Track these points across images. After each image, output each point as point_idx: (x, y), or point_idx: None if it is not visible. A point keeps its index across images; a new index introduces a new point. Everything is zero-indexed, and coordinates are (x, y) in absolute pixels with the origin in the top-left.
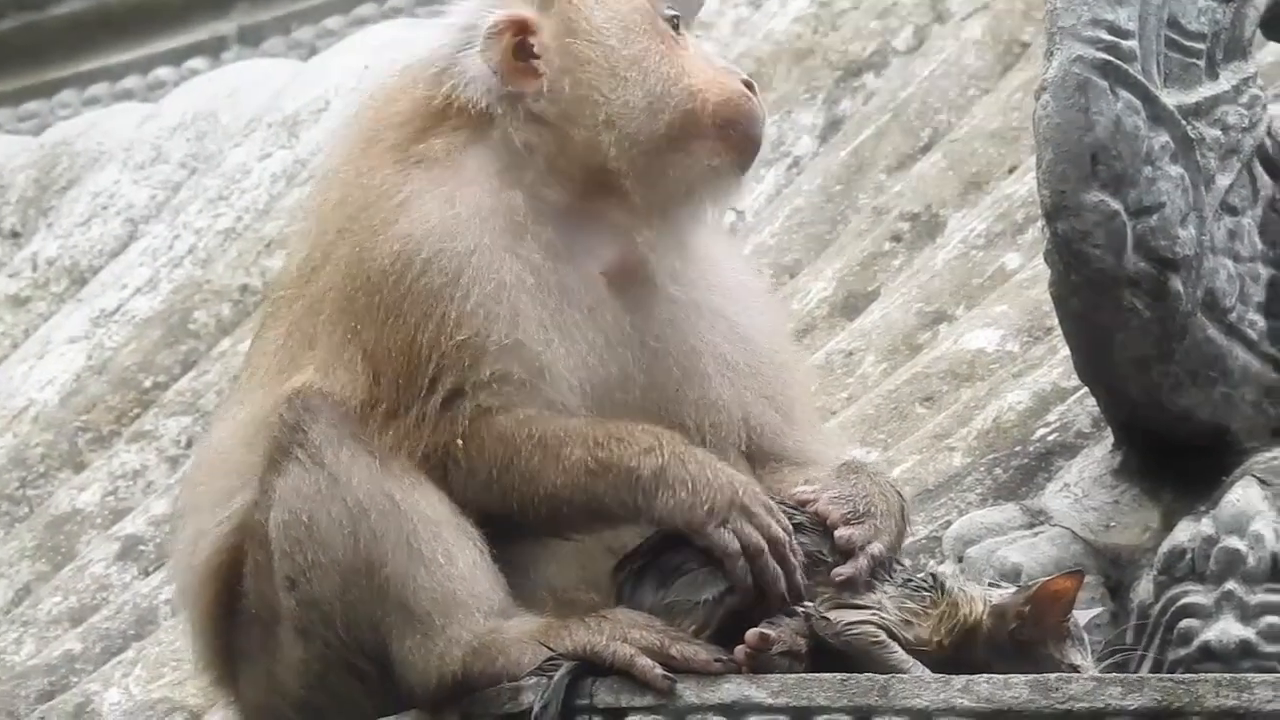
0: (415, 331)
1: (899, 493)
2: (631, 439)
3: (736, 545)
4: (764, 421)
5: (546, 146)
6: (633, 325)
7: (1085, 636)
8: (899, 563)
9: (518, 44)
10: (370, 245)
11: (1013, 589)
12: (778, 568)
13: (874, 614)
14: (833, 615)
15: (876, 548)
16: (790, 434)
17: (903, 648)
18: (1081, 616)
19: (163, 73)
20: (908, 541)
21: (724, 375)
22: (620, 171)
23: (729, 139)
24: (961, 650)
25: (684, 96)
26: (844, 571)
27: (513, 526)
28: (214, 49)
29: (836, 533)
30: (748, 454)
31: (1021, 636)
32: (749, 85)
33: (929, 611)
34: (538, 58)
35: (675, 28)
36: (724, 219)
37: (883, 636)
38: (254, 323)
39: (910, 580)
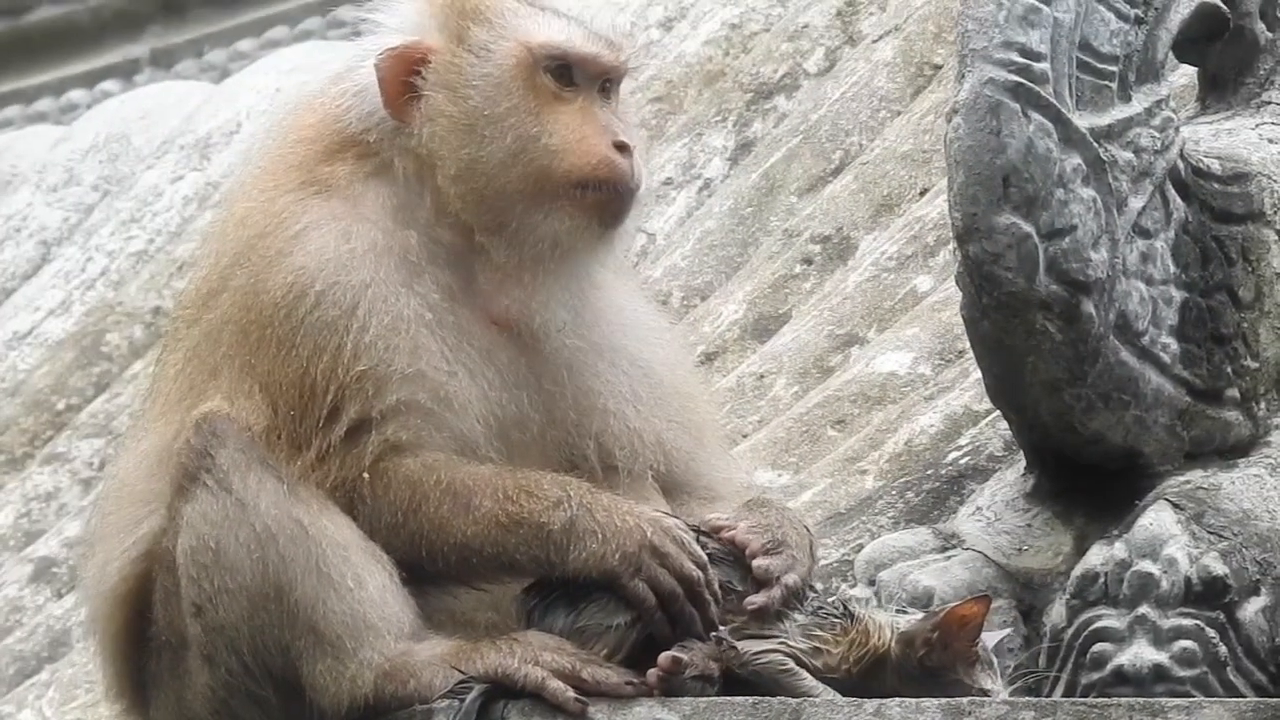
0: (308, 364)
1: (806, 526)
2: (540, 492)
3: (651, 598)
4: (675, 449)
5: (429, 184)
6: (528, 368)
7: (995, 660)
8: (812, 589)
9: (406, 77)
10: (264, 276)
11: (920, 615)
12: (692, 610)
13: (781, 643)
14: (740, 645)
15: (792, 578)
16: (700, 461)
17: (812, 675)
18: (991, 639)
19: (76, 95)
20: (820, 565)
21: (629, 408)
22: (474, 226)
23: (584, 199)
24: (871, 677)
25: (539, 155)
26: (757, 600)
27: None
28: (127, 71)
29: (755, 563)
30: (660, 484)
31: (930, 663)
32: (621, 146)
33: (838, 639)
34: (420, 96)
35: (564, 79)
36: (614, 262)
37: (790, 664)
38: (161, 342)
39: (820, 608)
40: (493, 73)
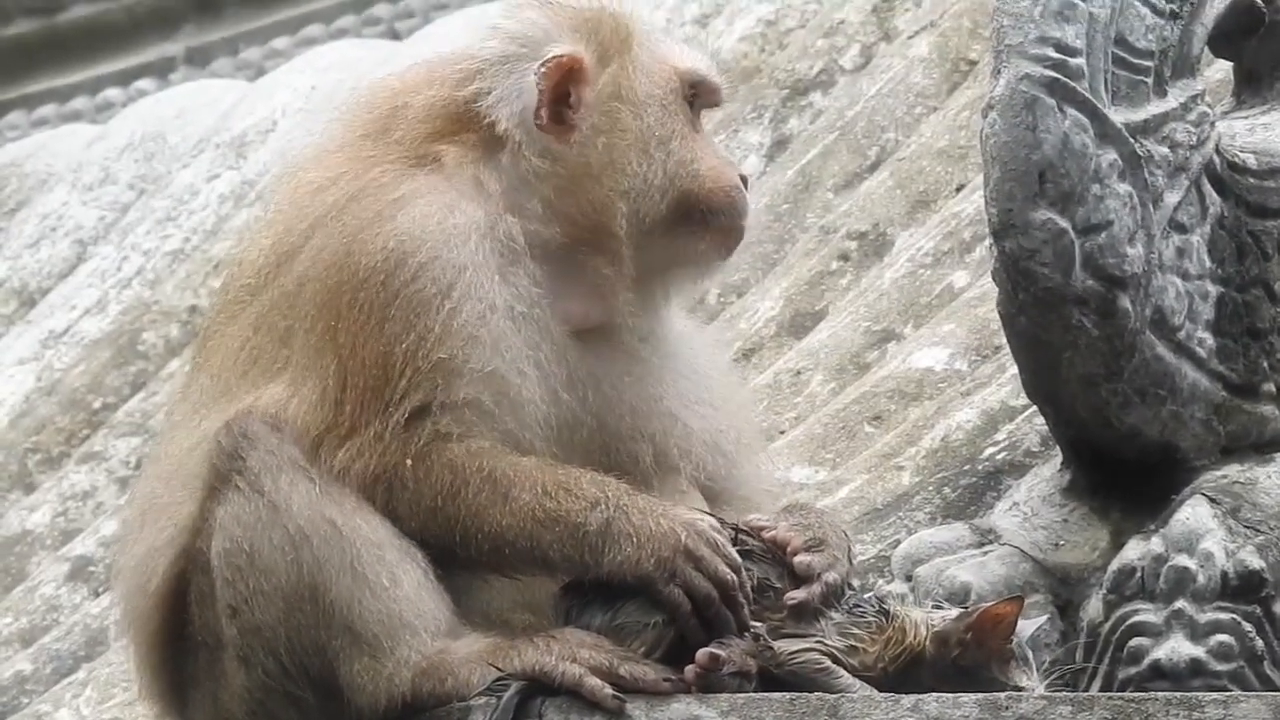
0: (395, 342)
1: (844, 530)
2: (579, 490)
3: (686, 603)
4: (726, 454)
5: (553, 184)
6: (589, 371)
7: (1030, 656)
8: (850, 586)
9: (564, 88)
10: (360, 238)
11: (955, 613)
12: (727, 613)
13: (818, 642)
14: (777, 645)
15: (832, 575)
16: (747, 469)
17: (848, 674)
18: (1026, 628)
19: (111, 94)
20: (856, 563)
21: (690, 411)
22: (623, 239)
23: (716, 226)
24: (906, 676)
25: (689, 179)
26: (797, 596)
27: (454, 557)
28: (162, 70)
29: (796, 559)
30: (707, 488)
31: (964, 661)
32: (743, 179)
33: (874, 638)
34: (575, 109)
35: (694, 110)
36: (695, 291)
37: (827, 663)
38: (207, 316)
39: (856, 606)
40: (659, 94)
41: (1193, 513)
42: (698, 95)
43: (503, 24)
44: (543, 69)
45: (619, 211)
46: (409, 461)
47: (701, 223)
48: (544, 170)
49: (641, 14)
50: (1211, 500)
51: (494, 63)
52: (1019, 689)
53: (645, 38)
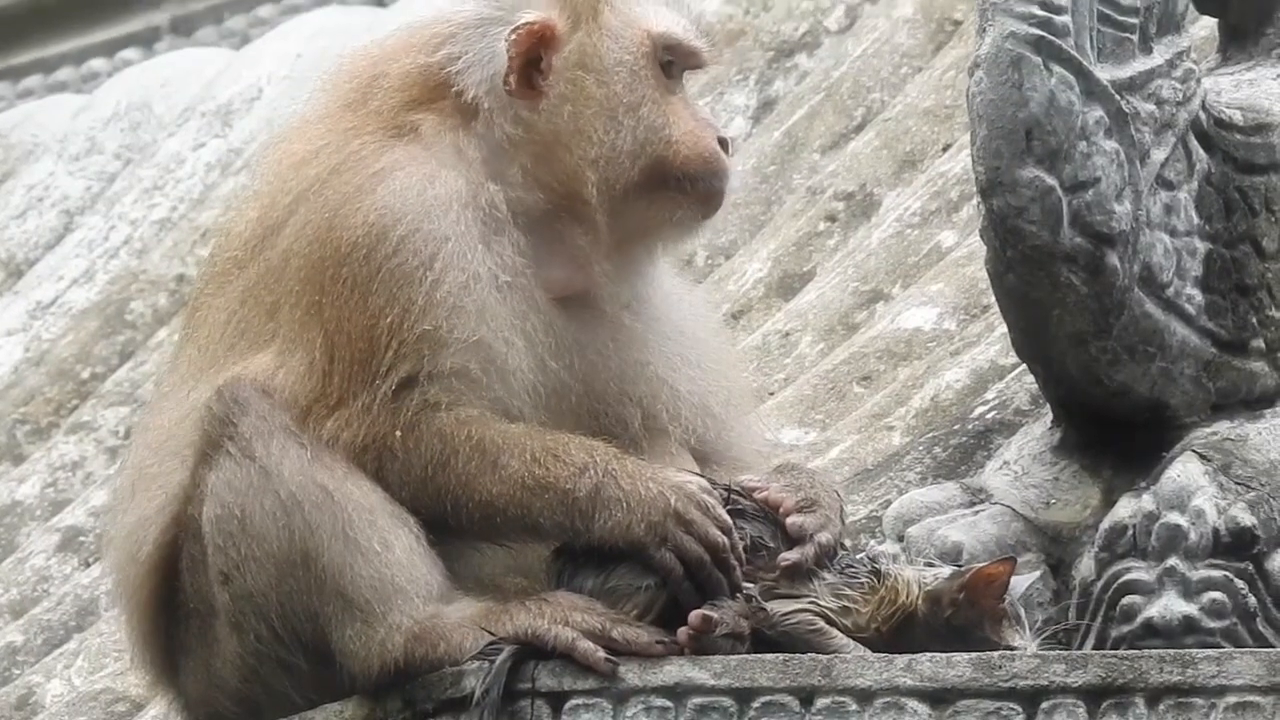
0: (379, 315)
1: (836, 490)
2: (568, 457)
3: (678, 568)
4: (715, 416)
5: (529, 151)
6: (575, 337)
7: (1023, 615)
8: (843, 546)
9: (534, 53)
10: (341, 212)
11: (948, 572)
12: (719, 575)
13: (811, 602)
14: (770, 606)
15: (825, 536)
16: (737, 430)
17: (842, 634)
18: (1020, 583)
19: (96, 64)
20: (848, 523)
21: (679, 374)
22: (596, 207)
23: (692, 192)
24: (900, 635)
25: (660, 144)
26: (790, 557)
27: (445, 525)
28: (147, 39)
29: (789, 520)
30: (698, 450)
31: (957, 621)
32: (723, 142)
33: (867, 598)
34: (546, 75)
35: (670, 74)
36: (680, 252)
37: (820, 624)
38: (194, 286)
39: (848, 567)
40: (628, 59)
41: (1184, 470)
42: (675, 58)
43: None
44: (512, 35)
45: (589, 180)
46: (398, 432)
47: (677, 188)
48: (518, 137)
49: None
50: (1202, 457)
51: (465, 28)
52: (1012, 648)
53: (620, 1)
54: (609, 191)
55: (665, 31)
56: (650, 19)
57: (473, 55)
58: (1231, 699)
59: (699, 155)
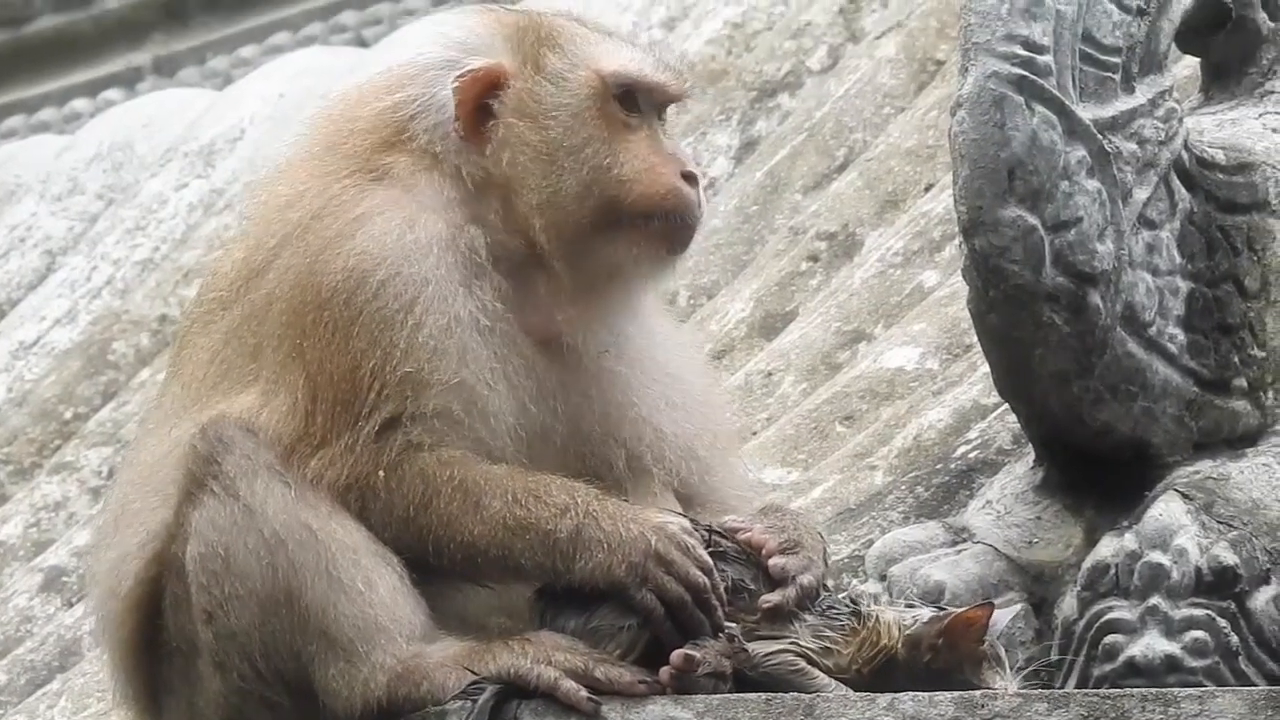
0: (361, 358)
1: (819, 532)
2: (549, 498)
3: (659, 608)
4: (700, 458)
5: (497, 194)
6: (558, 381)
7: (1004, 655)
8: (825, 588)
9: (483, 99)
10: (321, 258)
11: (927, 615)
12: (700, 615)
13: (792, 643)
14: (752, 647)
15: (807, 578)
16: (722, 473)
17: (823, 674)
18: (1001, 618)
19: (79, 104)
20: (831, 563)
21: (663, 416)
22: (549, 253)
23: (650, 229)
24: (881, 677)
25: (610, 185)
26: (772, 599)
27: (428, 565)
28: (129, 80)
29: (771, 561)
30: (681, 491)
31: (937, 665)
32: (689, 176)
33: (848, 639)
34: (495, 118)
35: (630, 106)
36: (659, 291)
37: (802, 664)
38: (180, 325)
39: (830, 608)
40: (570, 102)
41: (1166, 509)
42: (637, 95)
43: (444, 31)
44: (456, 81)
45: (535, 225)
46: (381, 472)
47: (633, 226)
48: (481, 180)
49: (589, 16)
50: (1185, 496)
51: (420, 72)
52: (993, 690)
53: (569, 43)
54: (560, 236)
55: (617, 70)
56: (601, 58)
57: (426, 100)
58: None
59: (653, 192)
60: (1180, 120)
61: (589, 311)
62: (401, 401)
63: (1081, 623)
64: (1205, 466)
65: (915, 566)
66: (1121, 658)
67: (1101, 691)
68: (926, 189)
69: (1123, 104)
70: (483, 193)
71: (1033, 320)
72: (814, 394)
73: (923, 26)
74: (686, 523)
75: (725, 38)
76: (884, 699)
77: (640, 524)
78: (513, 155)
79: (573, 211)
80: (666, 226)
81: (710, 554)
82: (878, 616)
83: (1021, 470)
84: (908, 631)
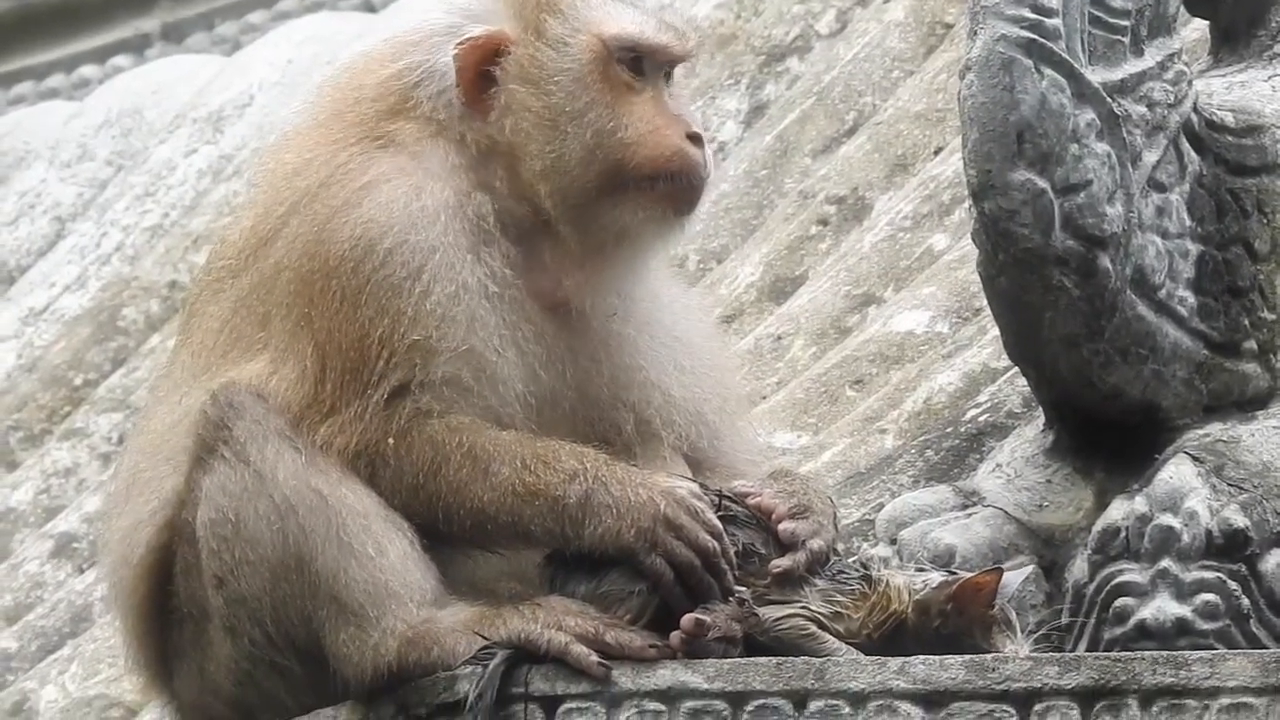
0: (369, 326)
1: (829, 496)
2: (558, 463)
3: (669, 573)
4: (709, 421)
5: (502, 161)
6: (567, 345)
7: (1014, 619)
8: (835, 552)
9: (484, 66)
10: (329, 226)
11: (936, 579)
12: (710, 580)
13: (802, 607)
14: (761, 612)
15: (817, 543)
16: (731, 437)
17: (834, 638)
18: (1013, 579)
19: (87, 71)
20: (841, 527)
21: (671, 379)
22: (556, 219)
23: (655, 191)
24: (891, 641)
25: (614, 148)
26: (782, 564)
27: (437, 532)
28: (138, 46)
29: (781, 526)
30: (691, 455)
31: (946, 630)
32: (695, 137)
33: (858, 604)
34: (497, 85)
35: (635, 69)
36: (669, 254)
37: (812, 629)
38: (189, 292)
39: (840, 572)
40: (571, 67)
41: (1176, 471)
42: (643, 55)
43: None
44: (456, 49)
45: (541, 192)
46: (390, 439)
47: (639, 188)
48: (485, 146)
49: None
50: (1195, 459)
51: (423, 39)
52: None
53: (570, 8)
54: (565, 201)
55: (619, 33)
56: (603, 22)
57: (428, 67)
58: (1225, 700)
59: (658, 154)
60: (1189, 83)
61: (596, 276)
62: (410, 369)
63: (1092, 586)
64: (1215, 429)
65: (925, 530)
66: (1132, 621)
67: (1112, 655)
68: (936, 152)
69: (1132, 67)
70: (488, 159)
71: (1042, 284)
72: (824, 358)
73: None
74: (696, 487)
75: (734, 1)
76: (895, 663)
77: (649, 489)
78: (515, 122)
79: (577, 176)
80: (672, 188)
81: (720, 518)
82: (888, 581)
83: (1031, 434)
84: (917, 596)
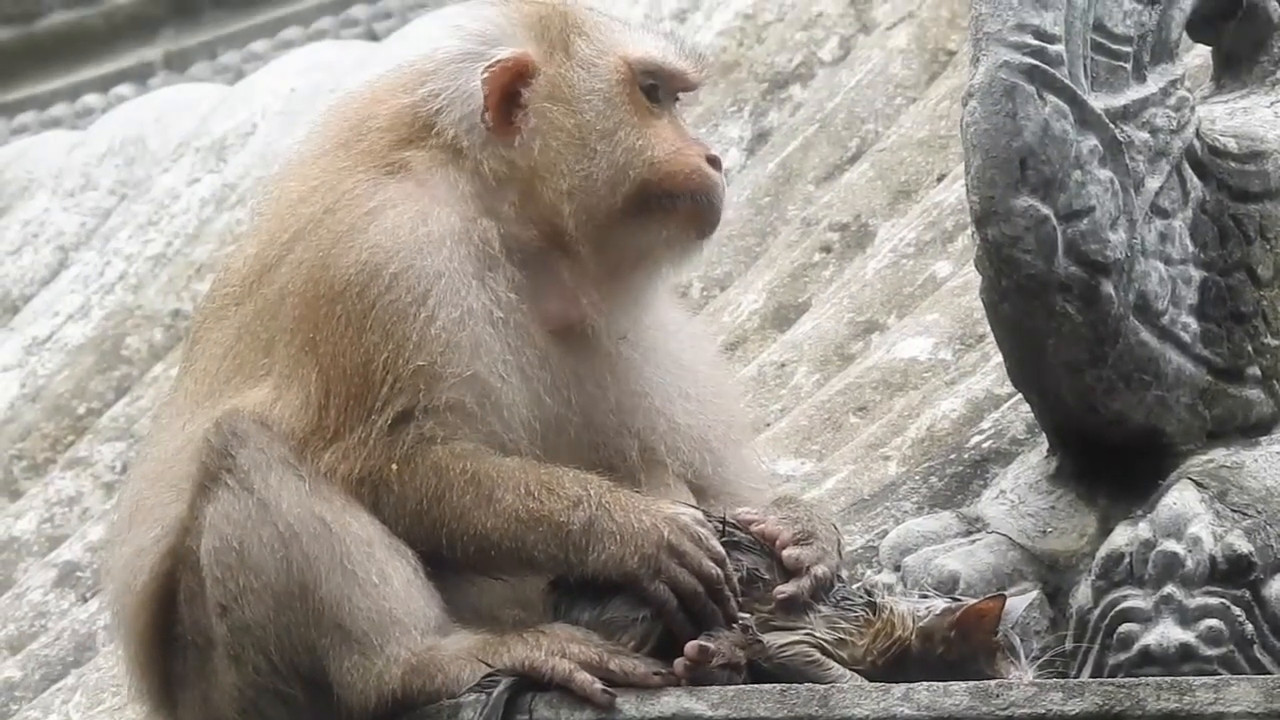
0: (374, 351)
1: (833, 523)
2: (561, 490)
3: (672, 600)
4: (714, 449)
5: (516, 187)
6: (573, 371)
7: (1019, 645)
8: (839, 579)
9: (512, 88)
10: (334, 251)
11: (940, 606)
12: (714, 606)
13: (807, 634)
14: (766, 638)
15: (822, 569)
16: (736, 464)
17: (838, 665)
18: (1017, 605)
19: (90, 100)
20: (845, 553)
21: (677, 406)
22: (577, 239)
23: (679, 211)
24: (894, 668)
25: (642, 167)
26: (787, 590)
27: (441, 558)
28: (141, 75)
29: (785, 552)
30: (695, 483)
31: (950, 657)
32: (713, 160)
33: (862, 631)
34: (524, 108)
35: (652, 94)
36: (679, 280)
37: (817, 655)
38: (193, 320)
39: (844, 599)
40: (602, 87)
41: (1180, 497)
42: (659, 81)
43: (461, 24)
44: (485, 72)
45: (565, 211)
46: (394, 465)
47: (663, 208)
48: (503, 174)
49: (601, 6)
50: (1198, 485)
51: (444, 65)
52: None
53: (594, 30)
54: (590, 221)
55: (643, 56)
56: (627, 45)
57: (451, 93)
58: None
59: (683, 172)
60: (1192, 109)
61: (612, 298)
62: (414, 395)
63: (1096, 612)
64: (1219, 455)
65: (929, 557)
66: (1136, 647)
67: (1116, 680)
68: (939, 179)
69: (1134, 93)
70: (501, 186)
71: (1045, 310)
72: (827, 385)
73: (934, 17)
74: (699, 514)
75: (736, 29)
76: (899, 689)
77: (653, 515)
78: (544, 142)
79: (605, 195)
80: (694, 207)
81: (724, 545)
82: (892, 608)
83: (1035, 460)
84: (921, 623)
